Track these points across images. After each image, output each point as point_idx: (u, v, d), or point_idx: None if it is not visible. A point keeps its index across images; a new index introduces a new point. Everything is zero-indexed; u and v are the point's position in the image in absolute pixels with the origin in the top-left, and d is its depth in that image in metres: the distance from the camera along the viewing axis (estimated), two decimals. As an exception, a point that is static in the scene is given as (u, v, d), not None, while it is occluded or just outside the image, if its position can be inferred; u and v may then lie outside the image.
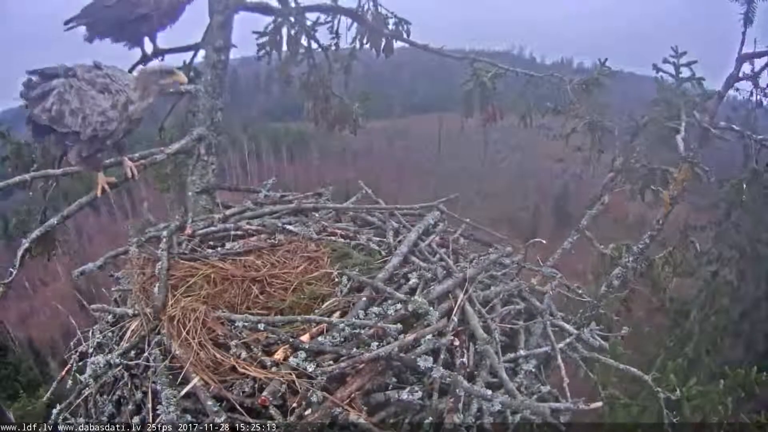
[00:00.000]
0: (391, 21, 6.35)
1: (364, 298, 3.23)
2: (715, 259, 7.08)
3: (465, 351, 3.10)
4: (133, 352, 3.10)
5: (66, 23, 4.64)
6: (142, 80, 3.76)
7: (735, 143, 5.52)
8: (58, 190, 5.18)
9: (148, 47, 5.01)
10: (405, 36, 6.39)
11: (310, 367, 2.75)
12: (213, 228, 4.08)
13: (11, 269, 3.92)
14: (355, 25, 6.39)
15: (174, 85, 3.86)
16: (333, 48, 6.56)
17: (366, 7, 6.29)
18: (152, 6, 4.66)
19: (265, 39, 6.13)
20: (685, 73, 5.45)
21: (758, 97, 5.24)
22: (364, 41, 6.43)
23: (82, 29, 4.67)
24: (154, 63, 3.89)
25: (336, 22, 6.41)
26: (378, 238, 3.96)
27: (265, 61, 6.37)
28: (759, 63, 4.94)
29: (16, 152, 5.32)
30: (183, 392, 2.76)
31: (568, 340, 3.51)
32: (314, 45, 6.41)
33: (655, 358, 7.16)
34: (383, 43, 6.40)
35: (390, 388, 2.87)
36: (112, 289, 3.77)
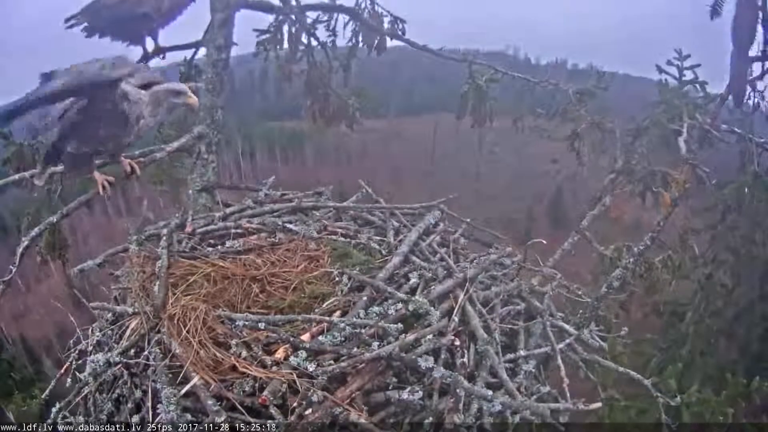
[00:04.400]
0: (386, 19, 6.38)
1: (365, 298, 3.22)
2: (710, 261, 7.11)
3: (465, 351, 3.09)
4: (132, 351, 3.08)
5: (66, 21, 4.63)
6: (155, 97, 3.61)
7: (733, 146, 5.55)
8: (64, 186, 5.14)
9: (150, 45, 5.00)
10: (400, 34, 6.41)
11: (311, 367, 2.74)
12: (213, 226, 4.07)
13: (11, 267, 3.89)
14: (352, 23, 6.42)
15: (183, 105, 3.71)
16: (330, 45, 6.58)
17: (363, 5, 6.32)
18: (153, 5, 4.64)
19: (265, 37, 6.14)
20: (688, 75, 5.46)
21: (755, 100, 5.25)
22: (359, 39, 6.46)
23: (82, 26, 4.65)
24: (169, 83, 3.70)
25: (334, 20, 6.43)
26: (378, 238, 3.95)
27: (262, 58, 6.38)
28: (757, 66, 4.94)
29: (18, 154, 5.27)
30: (183, 391, 2.74)
31: (567, 340, 3.51)
32: (314, 42, 6.42)
33: (651, 359, 7.18)
34: (377, 41, 6.43)
35: (390, 388, 2.86)
36: (112, 287, 3.74)
